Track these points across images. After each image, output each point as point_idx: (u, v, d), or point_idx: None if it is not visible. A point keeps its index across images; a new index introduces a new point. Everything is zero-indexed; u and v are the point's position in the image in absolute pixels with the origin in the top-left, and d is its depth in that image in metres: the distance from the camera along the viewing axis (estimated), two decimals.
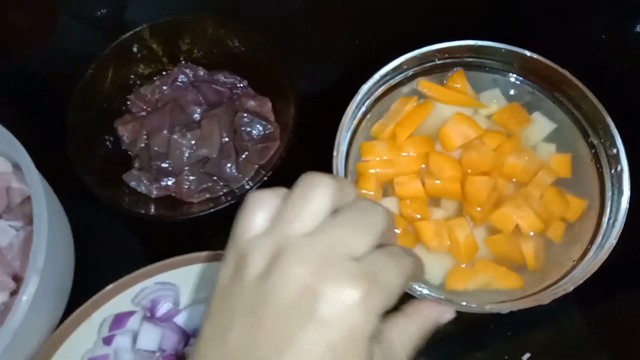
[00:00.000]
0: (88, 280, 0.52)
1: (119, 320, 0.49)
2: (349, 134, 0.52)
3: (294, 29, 0.68)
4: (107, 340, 0.48)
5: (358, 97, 0.52)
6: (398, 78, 0.54)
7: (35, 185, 0.45)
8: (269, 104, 0.59)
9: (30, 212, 0.53)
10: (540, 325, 0.53)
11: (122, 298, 0.50)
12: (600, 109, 0.48)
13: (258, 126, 0.57)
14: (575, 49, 0.63)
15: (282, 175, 0.49)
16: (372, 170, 0.51)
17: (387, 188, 0.52)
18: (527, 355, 0.51)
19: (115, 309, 0.50)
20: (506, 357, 0.51)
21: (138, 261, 0.50)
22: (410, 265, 0.30)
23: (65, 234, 0.52)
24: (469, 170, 0.51)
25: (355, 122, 0.52)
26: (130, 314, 0.49)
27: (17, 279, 0.50)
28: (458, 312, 0.43)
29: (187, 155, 0.55)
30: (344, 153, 0.51)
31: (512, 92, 0.55)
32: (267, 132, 0.57)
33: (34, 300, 0.42)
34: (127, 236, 0.59)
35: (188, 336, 0.49)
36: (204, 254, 0.50)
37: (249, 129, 0.57)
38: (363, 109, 0.53)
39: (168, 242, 0.57)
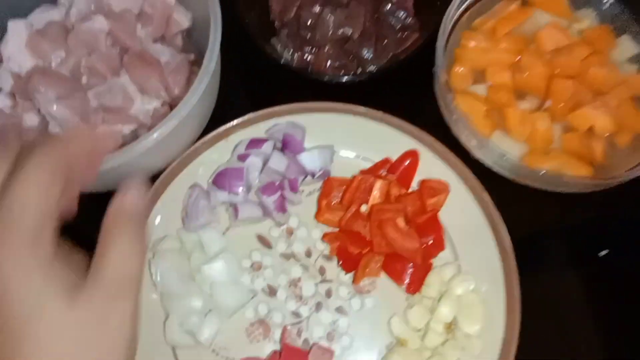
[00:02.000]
0: (225, 111, 0.60)
1: (255, 142, 0.58)
2: (452, 23, 0.58)
3: None
4: (242, 158, 0.57)
5: None
6: None
7: (214, 4, 0.54)
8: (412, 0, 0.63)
9: (180, 45, 0.61)
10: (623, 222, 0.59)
11: (257, 128, 0.59)
12: None
13: (400, 16, 0.62)
14: None
15: (415, 64, 0.57)
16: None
17: (477, 77, 0.58)
18: (605, 251, 0.58)
19: (250, 136, 0.59)
20: (584, 249, 0.58)
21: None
22: (48, 164, 0.29)
23: (218, 61, 0.57)
24: (557, 72, 0.57)
25: (460, 12, 0.59)
26: (265, 140, 0.58)
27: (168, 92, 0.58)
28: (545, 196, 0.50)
29: (332, 30, 0.61)
30: (446, 39, 0.57)
31: (603, 11, 0.61)
32: (407, 23, 0.62)
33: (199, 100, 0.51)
34: (263, 86, 0.66)
35: (306, 173, 0.57)
36: (330, 104, 0.59)
37: (390, 19, 0.62)
38: (468, 2, 0.59)
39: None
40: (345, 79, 0.60)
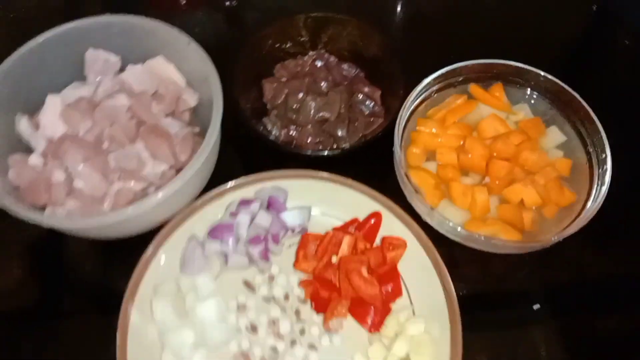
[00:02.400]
0: (221, 175, 0.71)
1: (245, 202, 0.69)
2: (409, 112, 0.72)
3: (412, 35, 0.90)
4: (234, 214, 0.68)
5: (420, 86, 0.72)
6: (452, 79, 0.74)
7: (217, 92, 0.66)
8: (379, 92, 0.79)
9: (188, 119, 0.74)
10: (554, 281, 0.70)
11: (247, 190, 0.71)
12: (598, 124, 0.68)
13: (369, 105, 0.78)
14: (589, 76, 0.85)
15: (381, 143, 0.70)
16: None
17: (430, 155, 0.71)
18: (537, 305, 0.68)
19: (241, 196, 0.70)
20: (518, 306, 0.69)
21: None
22: None
23: (218, 135, 0.67)
24: (494, 154, 0.70)
25: (416, 103, 0.72)
26: (253, 201, 0.69)
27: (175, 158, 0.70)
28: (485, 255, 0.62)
29: (313, 113, 0.75)
30: (404, 124, 0.70)
31: (536, 106, 0.75)
32: (375, 110, 0.77)
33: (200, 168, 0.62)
34: (254, 156, 0.79)
35: (287, 229, 0.69)
36: (309, 172, 0.70)
37: (361, 106, 0.78)
38: (424, 95, 0.73)
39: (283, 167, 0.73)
40: (324, 153, 0.73)
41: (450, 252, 0.66)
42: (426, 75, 0.72)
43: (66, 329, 0.69)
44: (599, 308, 0.70)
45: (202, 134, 0.72)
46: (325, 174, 0.70)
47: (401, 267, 0.68)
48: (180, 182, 0.61)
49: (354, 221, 0.70)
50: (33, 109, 0.71)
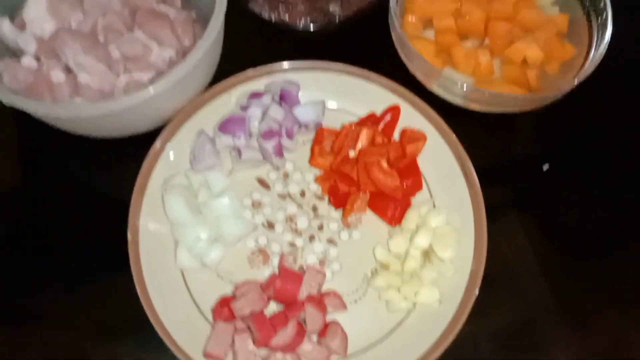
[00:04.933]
0: (223, 71, 0.68)
1: (255, 94, 0.67)
2: None
3: None
4: (244, 108, 0.67)
5: None
6: None
7: None
8: None
9: (179, 5, 0.69)
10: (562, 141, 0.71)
11: (258, 82, 0.68)
12: None
13: None
14: None
15: (374, 16, 0.68)
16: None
17: (426, 24, 0.71)
18: (547, 166, 0.70)
19: (250, 89, 0.68)
20: (528, 164, 0.70)
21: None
22: None
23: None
24: (492, 15, 0.69)
25: None
26: (264, 93, 0.67)
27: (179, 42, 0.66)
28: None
29: None
30: None
31: None
32: None
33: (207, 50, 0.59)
34: (253, 38, 0.76)
35: (300, 125, 0.67)
36: (322, 63, 0.68)
37: None
38: None
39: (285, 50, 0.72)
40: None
41: (454, 119, 0.65)
42: None
43: (77, 228, 0.68)
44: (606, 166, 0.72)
45: (199, 20, 0.69)
46: (339, 65, 0.68)
47: (421, 160, 0.67)
48: (197, 56, 0.58)
49: (371, 116, 0.69)
50: (10, 9, 0.66)
